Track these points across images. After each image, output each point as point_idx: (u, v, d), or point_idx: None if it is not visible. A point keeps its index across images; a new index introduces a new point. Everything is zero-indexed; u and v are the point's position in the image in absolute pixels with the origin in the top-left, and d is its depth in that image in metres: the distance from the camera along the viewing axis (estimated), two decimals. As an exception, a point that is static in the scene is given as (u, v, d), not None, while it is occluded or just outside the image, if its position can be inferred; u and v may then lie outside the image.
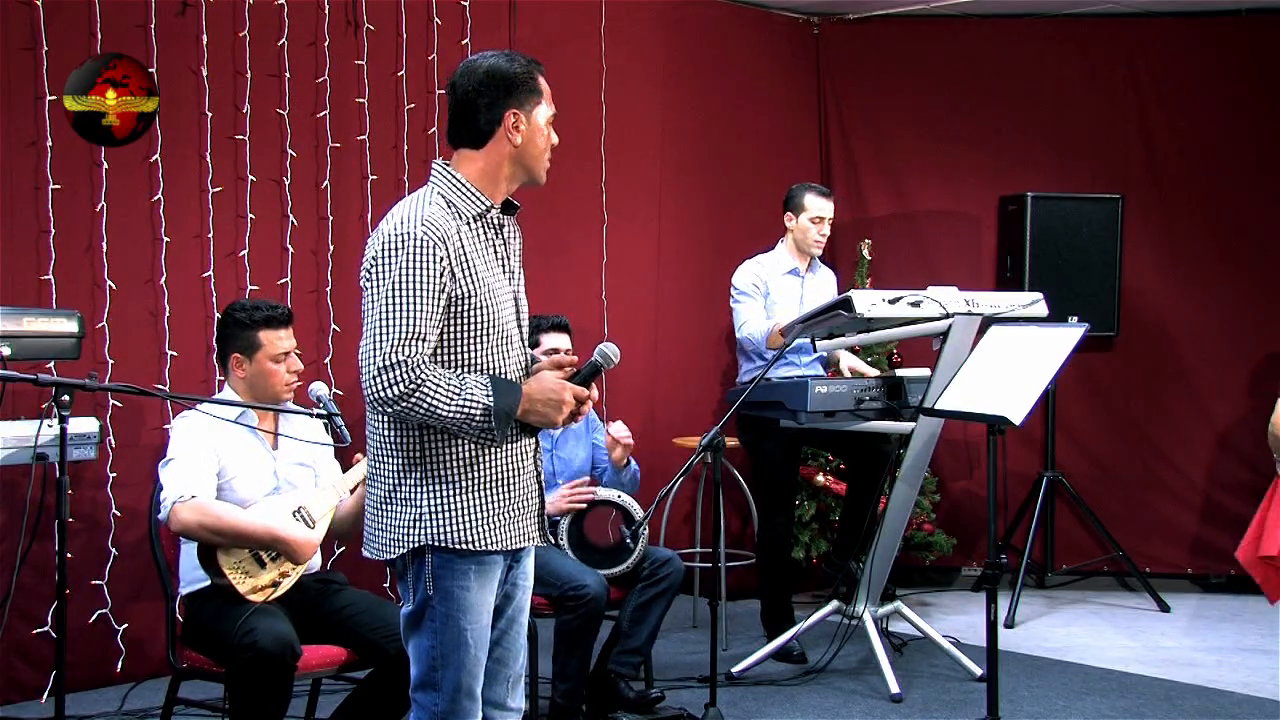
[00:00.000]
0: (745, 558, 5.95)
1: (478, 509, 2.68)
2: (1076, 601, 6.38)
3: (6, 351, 3.85)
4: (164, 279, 4.78)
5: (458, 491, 2.67)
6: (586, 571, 4.23)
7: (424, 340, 2.58)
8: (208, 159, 4.86)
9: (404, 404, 2.56)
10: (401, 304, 2.57)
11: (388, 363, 2.55)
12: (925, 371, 4.93)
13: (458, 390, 2.58)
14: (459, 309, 2.64)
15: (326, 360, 5.15)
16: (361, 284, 2.68)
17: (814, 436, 5.27)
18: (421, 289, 2.58)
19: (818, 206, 5.37)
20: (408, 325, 2.56)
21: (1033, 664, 5.24)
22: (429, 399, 2.56)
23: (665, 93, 6.29)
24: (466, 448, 2.68)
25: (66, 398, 3.29)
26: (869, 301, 4.58)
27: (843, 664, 5.04)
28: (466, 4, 5.54)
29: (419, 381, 2.55)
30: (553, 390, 2.69)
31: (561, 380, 2.72)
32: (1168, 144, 6.71)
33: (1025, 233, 6.37)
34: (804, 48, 6.85)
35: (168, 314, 4.77)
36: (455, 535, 2.66)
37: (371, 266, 2.63)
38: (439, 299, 2.60)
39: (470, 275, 2.65)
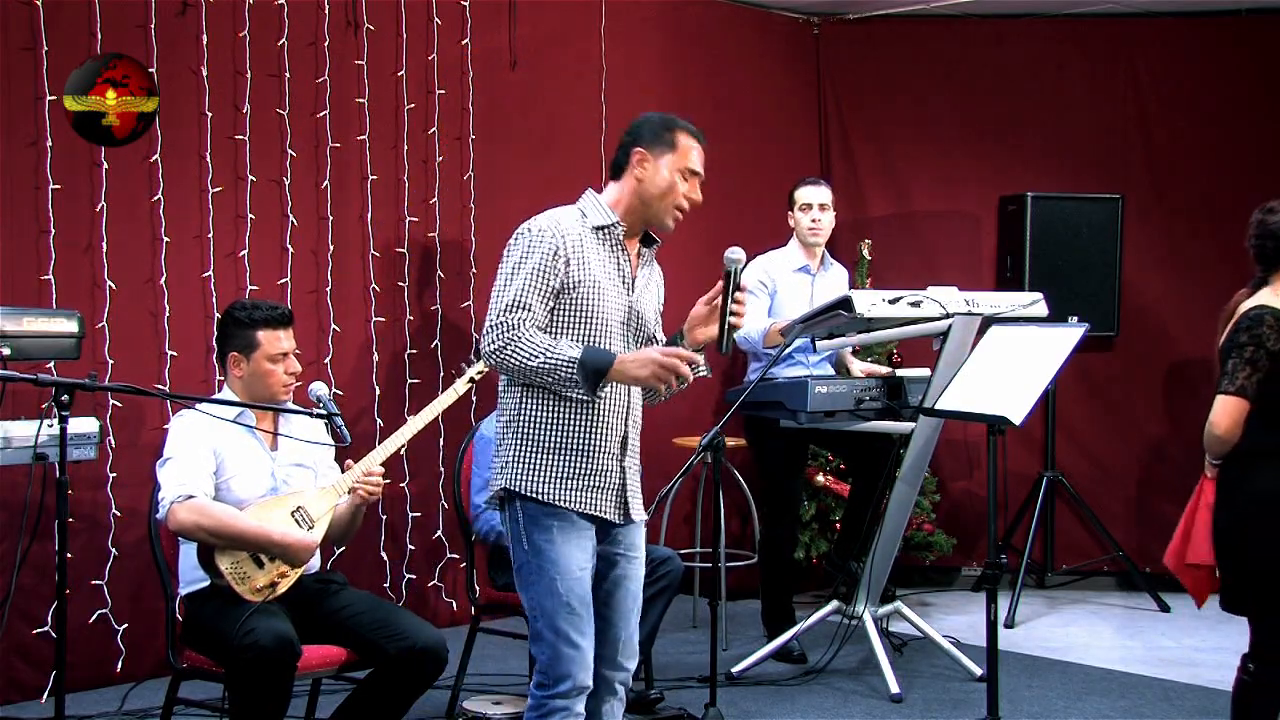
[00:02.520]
0: (745, 558, 5.95)
1: (549, 468, 3.07)
2: (1076, 601, 6.38)
3: (6, 351, 3.85)
4: (164, 279, 4.78)
5: (535, 449, 3.08)
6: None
7: (527, 309, 3.01)
8: (208, 159, 4.86)
9: (498, 357, 3.01)
10: (510, 280, 3.04)
11: (491, 324, 3.03)
12: (925, 371, 4.93)
13: (548, 348, 2.98)
14: (569, 295, 3.06)
15: (326, 360, 5.14)
16: None
17: (816, 436, 5.27)
18: (530, 269, 3.02)
19: (806, 194, 5.37)
20: (511, 296, 3.02)
21: (1033, 664, 5.24)
22: (520, 353, 2.98)
23: (665, 93, 6.28)
24: (550, 414, 3.08)
25: (66, 398, 3.28)
26: (869, 301, 4.58)
27: (843, 664, 5.04)
28: (466, 4, 5.54)
29: (512, 339, 2.99)
30: (644, 353, 3.04)
31: (656, 349, 3.06)
32: (1168, 144, 6.71)
33: (1025, 233, 6.36)
34: (804, 48, 6.86)
35: (168, 314, 4.77)
36: (527, 484, 3.06)
37: (505, 252, 3.10)
38: (547, 278, 3.03)
39: (582, 266, 3.07)
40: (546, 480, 3.06)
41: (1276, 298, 3.49)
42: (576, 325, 3.08)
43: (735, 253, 3.10)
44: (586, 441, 3.09)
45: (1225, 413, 3.41)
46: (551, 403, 3.07)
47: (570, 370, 2.96)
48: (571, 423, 3.08)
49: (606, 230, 3.15)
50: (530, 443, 3.07)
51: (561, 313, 3.07)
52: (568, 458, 3.07)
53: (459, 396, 4.23)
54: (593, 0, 5.98)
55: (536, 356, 2.97)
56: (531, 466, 3.06)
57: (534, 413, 3.08)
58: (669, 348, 3.05)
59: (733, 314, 3.08)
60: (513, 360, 2.98)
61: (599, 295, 3.09)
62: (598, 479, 3.11)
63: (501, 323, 3.00)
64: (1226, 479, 3.50)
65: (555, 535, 3.06)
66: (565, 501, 3.07)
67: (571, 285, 3.05)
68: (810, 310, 4.92)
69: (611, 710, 3.19)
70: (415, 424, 4.03)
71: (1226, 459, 3.48)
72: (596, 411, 3.10)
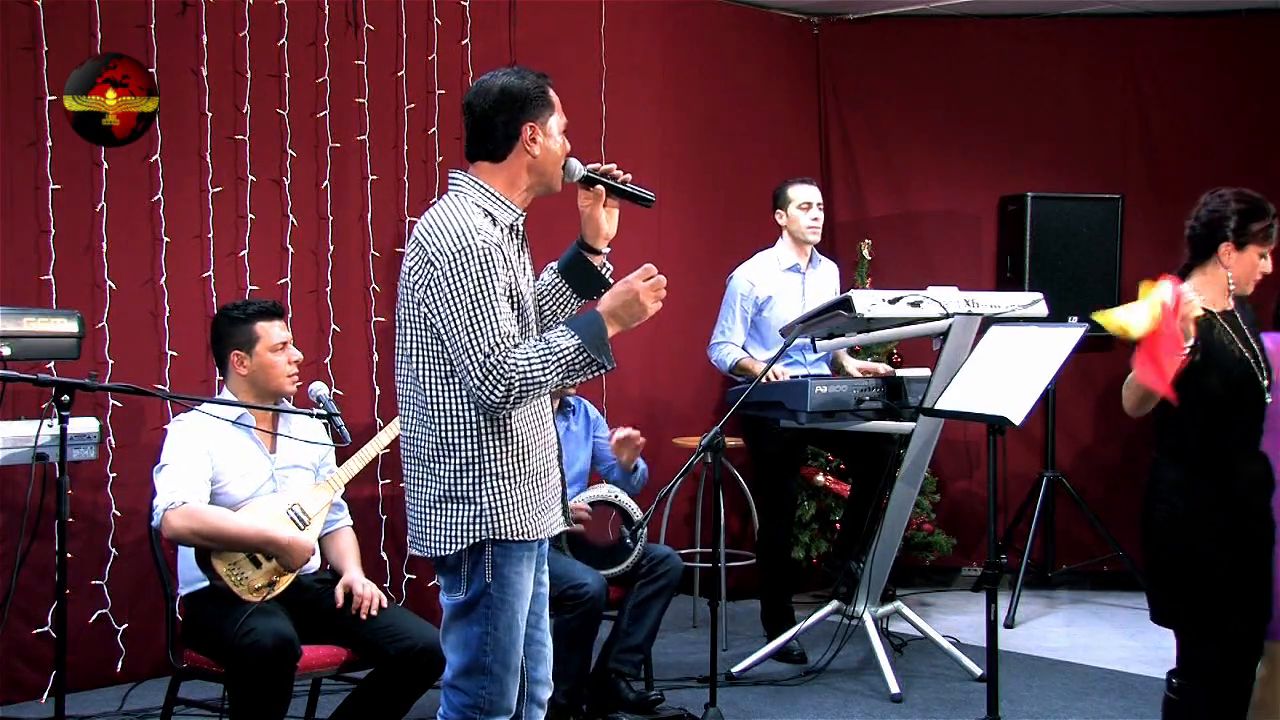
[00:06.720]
0: (745, 558, 5.95)
1: (529, 501, 2.85)
2: (1076, 601, 6.38)
3: (6, 351, 3.85)
4: (164, 279, 4.78)
5: (513, 486, 2.82)
6: (586, 571, 4.23)
7: (509, 338, 2.74)
8: (208, 159, 4.86)
9: (512, 400, 2.73)
10: (481, 313, 2.72)
11: (485, 374, 2.70)
12: (925, 371, 4.93)
13: (545, 353, 2.74)
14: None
15: (326, 360, 5.14)
16: (411, 293, 2.82)
17: (815, 436, 5.27)
18: (496, 295, 2.73)
19: (803, 194, 5.36)
20: (489, 334, 2.71)
21: (1033, 664, 5.24)
22: (531, 379, 2.72)
23: (665, 93, 6.29)
24: (517, 445, 2.83)
25: (66, 398, 3.28)
26: (869, 301, 4.59)
27: (843, 664, 5.04)
28: (466, 4, 5.54)
29: (512, 374, 2.70)
30: (623, 292, 2.86)
31: (625, 280, 2.88)
32: (1167, 144, 6.71)
33: (1025, 233, 6.36)
34: (804, 48, 6.85)
35: (168, 314, 4.77)
36: (516, 527, 2.81)
37: (439, 281, 2.75)
38: (507, 298, 2.77)
39: (515, 279, 2.82)
40: (529, 517, 2.84)
41: (1195, 290, 3.53)
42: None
43: (570, 163, 2.96)
44: (545, 460, 2.91)
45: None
46: (515, 429, 2.81)
47: (583, 357, 2.75)
48: (533, 447, 2.86)
49: (513, 226, 2.90)
50: (504, 481, 2.80)
51: None
52: (537, 483, 2.87)
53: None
54: (593, 0, 5.98)
55: (546, 370, 2.72)
56: (512, 507, 2.80)
57: (500, 450, 2.80)
58: (635, 275, 2.88)
59: (618, 179, 3.00)
60: (527, 394, 2.73)
61: (527, 304, 2.88)
62: (555, 491, 2.96)
63: (493, 366, 2.70)
64: (1149, 481, 3.51)
65: (524, 568, 2.86)
66: (543, 532, 2.89)
67: (513, 299, 2.82)
68: (810, 310, 4.92)
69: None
70: (362, 458, 3.94)
71: (1153, 461, 3.52)
72: (546, 419, 2.93)
